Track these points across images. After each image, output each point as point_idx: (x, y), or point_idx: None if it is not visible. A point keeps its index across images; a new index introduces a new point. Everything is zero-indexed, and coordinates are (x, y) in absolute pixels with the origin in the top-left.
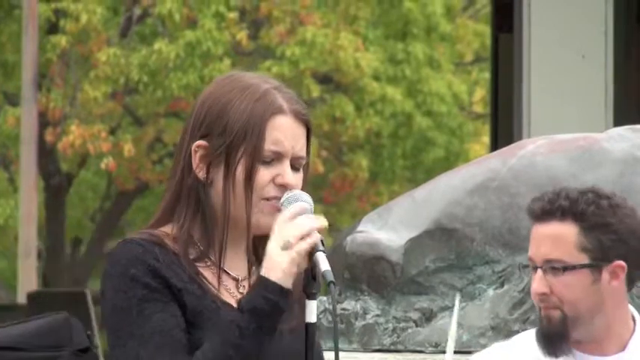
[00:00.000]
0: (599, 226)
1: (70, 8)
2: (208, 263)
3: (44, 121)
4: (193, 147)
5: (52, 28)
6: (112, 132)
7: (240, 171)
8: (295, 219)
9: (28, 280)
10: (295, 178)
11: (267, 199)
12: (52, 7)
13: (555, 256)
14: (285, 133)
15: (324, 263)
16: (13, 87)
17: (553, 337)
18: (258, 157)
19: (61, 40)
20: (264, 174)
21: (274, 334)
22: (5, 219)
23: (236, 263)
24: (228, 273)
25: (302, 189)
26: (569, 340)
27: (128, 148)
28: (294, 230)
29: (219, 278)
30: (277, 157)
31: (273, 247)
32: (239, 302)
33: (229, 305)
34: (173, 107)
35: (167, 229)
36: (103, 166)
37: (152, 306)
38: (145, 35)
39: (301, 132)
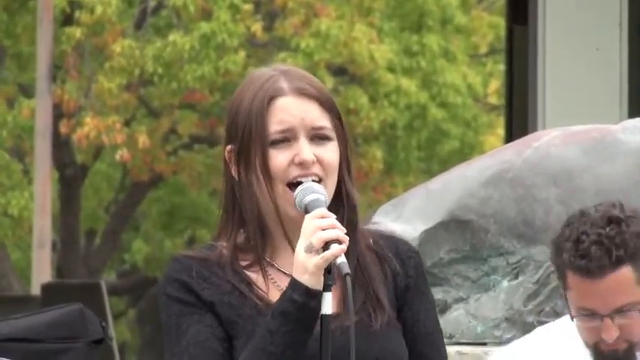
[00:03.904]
0: None
1: (84, 0)
2: (262, 266)
3: (59, 113)
4: (225, 154)
5: (67, 20)
6: (127, 123)
7: (257, 163)
8: (321, 222)
9: (42, 272)
10: (321, 151)
11: (294, 183)
12: None
13: (624, 302)
14: (287, 111)
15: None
16: (28, 78)
17: None
18: (266, 142)
19: (76, 32)
20: (279, 157)
21: (310, 335)
22: (20, 210)
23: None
24: (283, 272)
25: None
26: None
27: (143, 140)
28: (318, 234)
29: (264, 277)
30: (290, 137)
31: (299, 249)
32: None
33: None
34: (188, 99)
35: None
36: (117, 157)
37: (188, 320)
38: (160, 27)
39: (311, 106)
